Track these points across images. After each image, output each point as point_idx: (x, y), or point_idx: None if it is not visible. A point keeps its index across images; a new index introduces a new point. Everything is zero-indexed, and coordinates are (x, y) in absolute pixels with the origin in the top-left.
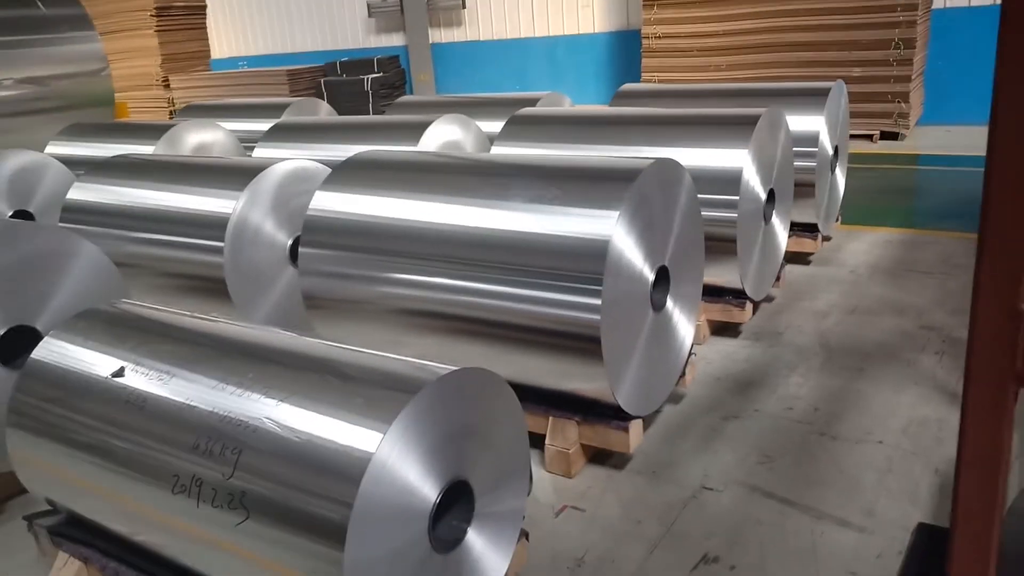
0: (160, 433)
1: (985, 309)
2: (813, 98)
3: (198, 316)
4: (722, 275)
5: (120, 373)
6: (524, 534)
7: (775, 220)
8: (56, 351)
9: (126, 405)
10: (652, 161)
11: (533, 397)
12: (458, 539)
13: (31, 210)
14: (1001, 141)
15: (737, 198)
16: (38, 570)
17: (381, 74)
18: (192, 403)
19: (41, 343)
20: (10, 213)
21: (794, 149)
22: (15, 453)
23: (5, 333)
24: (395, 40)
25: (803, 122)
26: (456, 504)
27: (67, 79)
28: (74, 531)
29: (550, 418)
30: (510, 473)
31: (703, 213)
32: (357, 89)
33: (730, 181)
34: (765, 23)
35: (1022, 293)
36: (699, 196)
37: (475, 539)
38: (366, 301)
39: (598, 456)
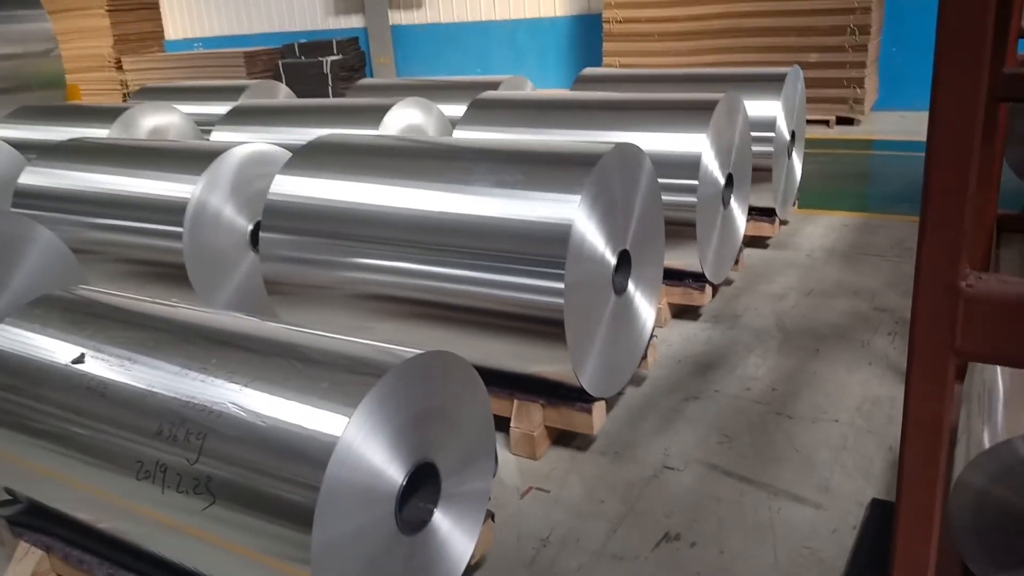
0: (122, 419)
1: (926, 286)
2: (770, 83)
3: (158, 302)
4: (682, 259)
5: (80, 360)
6: (490, 515)
7: (733, 204)
8: (12, 338)
9: (87, 392)
10: (613, 146)
11: (498, 380)
12: (425, 520)
13: None
14: (940, 126)
15: (696, 182)
16: None
17: (340, 56)
18: (155, 389)
19: None
20: None
21: (752, 134)
22: None
23: None
24: (354, 22)
25: (761, 107)
26: (422, 486)
27: (14, 59)
28: (35, 520)
29: (515, 401)
30: (475, 455)
31: (663, 197)
32: (316, 71)
33: (689, 166)
34: (725, 8)
35: (961, 271)
36: (659, 180)
37: (441, 520)
38: (328, 286)
39: (562, 438)
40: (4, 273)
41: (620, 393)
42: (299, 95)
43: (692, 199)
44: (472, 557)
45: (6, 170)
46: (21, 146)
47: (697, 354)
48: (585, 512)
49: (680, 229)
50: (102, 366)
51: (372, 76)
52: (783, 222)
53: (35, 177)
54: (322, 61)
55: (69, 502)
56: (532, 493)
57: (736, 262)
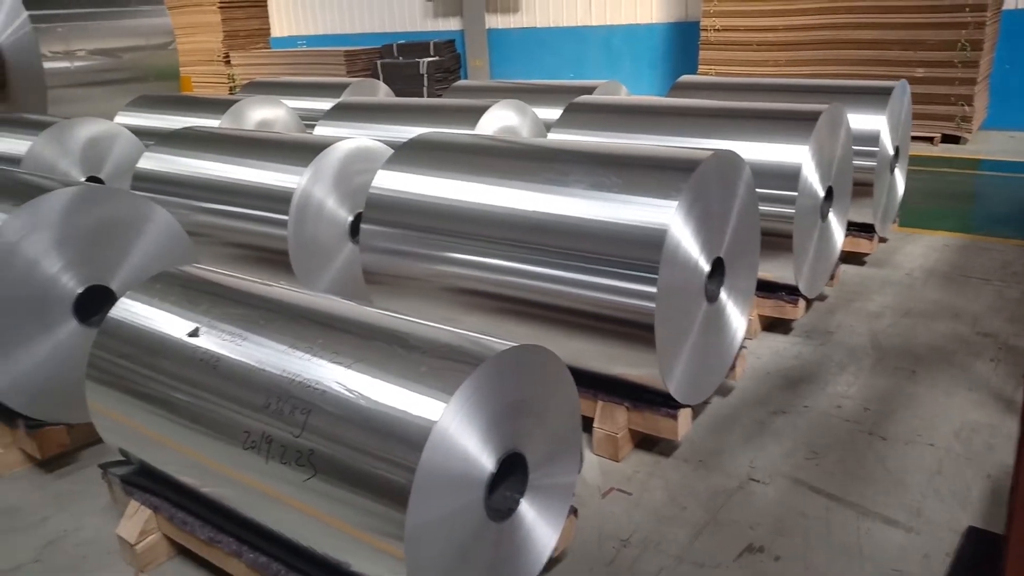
0: (232, 392)
1: None
2: (876, 97)
3: (268, 283)
4: (776, 270)
5: (195, 333)
6: (573, 510)
7: (832, 218)
8: (133, 310)
9: (200, 364)
10: (712, 152)
11: (582, 380)
12: (511, 509)
13: (102, 177)
14: None
15: (795, 194)
16: (110, 516)
17: (437, 58)
18: (263, 365)
19: (119, 302)
20: (83, 179)
21: (854, 148)
22: (93, 405)
23: (82, 292)
24: (452, 24)
25: (864, 121)
26: (511, 475)
27: (136, 52)
28: (145, 481)
29: (599, 402)
30: (562, 450)
31: (760, 207)
32: (412, 72)
33: (789, 176)
34: (828, 19)
35: None
36: (757, 190)
37: (527, 511)
38: (423, 278)
39: (645, 442)
40: (124, 249)
41: (706, 402)
42: (395, 94)
43: (790, 210)
44: (555, 550)
45: (126, 154)
46: (139, 132)
47: (787, 368)
48: (667, 517)
49: (776, 240)
50: (215, 341)
51: (466, 78)
52: (882, 239)
53: (152, 162)
54: (419, 62)
55: (177, 466)
56: (613, 494)
57: (831, 277)
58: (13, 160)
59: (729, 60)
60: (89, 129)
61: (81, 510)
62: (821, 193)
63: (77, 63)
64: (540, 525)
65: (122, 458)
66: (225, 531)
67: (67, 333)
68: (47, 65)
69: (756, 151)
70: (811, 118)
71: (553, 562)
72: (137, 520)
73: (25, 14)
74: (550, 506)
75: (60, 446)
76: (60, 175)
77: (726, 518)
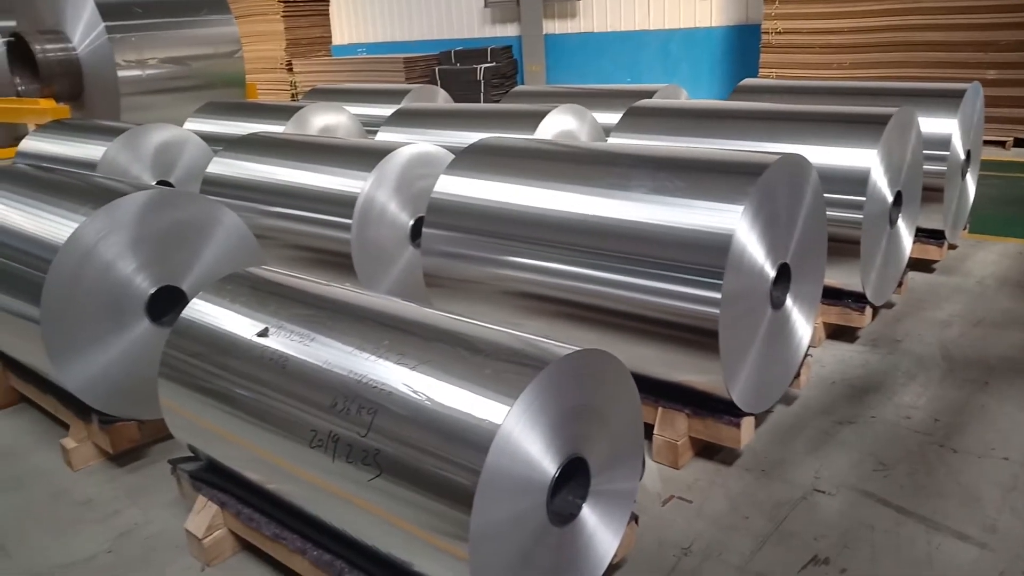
0: (300, 391)
1: None
2: (947, 100)
3: (334, 285)
4: (843, 277)
5: (264, 333)
6: (634, 517)
7: (900, 224)
8: (205, 311)
9: (269, 363)
10: (779, 156)
11: (643, 386)
12: (573, 514)
13: (172, 181)
14: None
15: (864, 199)
16: (178, 510)
17: (494, 64)
18: (330, 366)
19: (191, 303)
20: (154, 183)
21: (925, 152)
22: (165, 402)
23: (155, 292)
24: (509, 31)
25: (936, 124)
26: (573, 480)
27: (204, 60)
28: (213, 477)
29: (659, 408)
30: (624, 455)
31: (827, 212)
32: (470, 78)
33: (857, 181)
34: (894, 20)
35: None
36: (824, 195)
37: (588, 516)
38: (484, 282)
39: (706, 450)
40: (195, 251)
41: (769, 410)
42: (453, 100)
43: (858, 216)
44: (615, 556)
45: (195, 159)
46: (207, 138)
47: (853, 377)
48: (728, 526)
49: (843, 246)
50: (283, 341)
51: (523, 83)
52: (952, 246)
53: (221, 167)
54: (476, 68)
55: (244, 463)
56: (674, 501)
57: (899, 285)
58: (89, 164)
59: (791, 63)
60: (160, 135)
61: (150, 503)
62: (890, 198)
63: (149, 71)
64: (601, 530)
65: (190, 454)
66: (290, 528)
67: (140, 332)
68: (121, 73)
69: (824, 155)
70: (881, 121)
71: (613, 568)
72: (205, 515)
73: (102, 25)
74: (611, 512)
75: (131, 441)
76: (133, 179)
77: (790, 529)
